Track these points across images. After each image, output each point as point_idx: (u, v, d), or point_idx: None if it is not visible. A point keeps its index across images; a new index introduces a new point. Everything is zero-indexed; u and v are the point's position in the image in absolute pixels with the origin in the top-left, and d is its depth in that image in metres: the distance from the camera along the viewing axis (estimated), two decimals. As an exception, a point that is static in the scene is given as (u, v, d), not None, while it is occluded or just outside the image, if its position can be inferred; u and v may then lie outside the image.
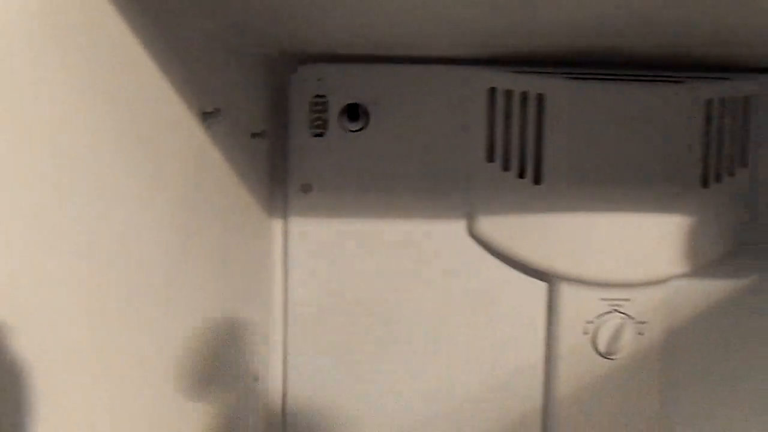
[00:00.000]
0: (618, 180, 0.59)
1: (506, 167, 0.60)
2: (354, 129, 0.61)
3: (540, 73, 0.59)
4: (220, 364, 0.49)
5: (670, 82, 0.59)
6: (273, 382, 0.63)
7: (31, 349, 0.24)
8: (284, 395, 0.63)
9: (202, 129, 0.39)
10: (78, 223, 0.26)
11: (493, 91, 0.60)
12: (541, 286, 0.62)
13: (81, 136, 0.26)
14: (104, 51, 0.28)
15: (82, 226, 0.27)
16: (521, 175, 0.60)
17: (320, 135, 0.61)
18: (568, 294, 0.61)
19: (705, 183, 0.60)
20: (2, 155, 0.22)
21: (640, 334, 0.62)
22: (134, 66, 0.31)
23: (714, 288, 0.63)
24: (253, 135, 0.53)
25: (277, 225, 0.62)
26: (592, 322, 0.61)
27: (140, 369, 0.34)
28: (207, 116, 0.38)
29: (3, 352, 0.22)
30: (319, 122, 0.61)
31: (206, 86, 0.39)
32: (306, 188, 0.61)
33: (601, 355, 0.62)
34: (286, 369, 0.63)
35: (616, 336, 0.61)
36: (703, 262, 0.61)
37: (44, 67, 0.24)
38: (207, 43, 0.41)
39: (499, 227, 0.61)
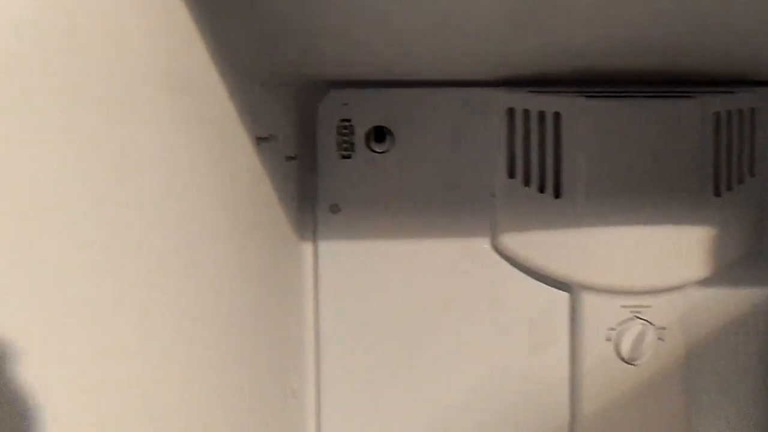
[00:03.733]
0: (634, 191, 0.62)
1: (527, 183, 0.63)
2: (380, 150, 0.63)
3: (556, 92, 0.62)
4: (261, 379, 0.51)
5: (679, 97, 0.62)
6: (307, 399, 0.65)
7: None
8: (318, 412, 0.65)
9: (255, 152, 0.41)
10: (157, 232, 0.29)
11: (511, 111, 0.63)
12: (563, 296, 0.65)
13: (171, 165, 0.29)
14: (189, 88, 0.31)
15: (160, 236, 0.29)
16: (541, 189, 0.62)
17: (347, 157, 0.63)
18: (589, 303, 0.64)
19: (717, 192, 0.63)
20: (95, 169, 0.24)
21: (660, 339, 0.64)
22: (207, 94, 0.33)
23: (730, 292, 0.66)
24: (288, 158, 0.55)
25: (307, 245, 0.64)
26: (614, 329, 0.64)
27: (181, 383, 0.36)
28: (260, 141, 0.41)
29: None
30: (346, 145, 0.63)
31: (259, 114, 0.42)
32: (334, 209, 0.64)
33: (624, 361, 0.64)
34: (319, 386, 0.65)
35: (638, 342, 0.63)
36: (719, 268, 0.64)
37: (146, 107, 0.26)
38: (259, 76, 0.43)
39: (522, 241, 0.63)
